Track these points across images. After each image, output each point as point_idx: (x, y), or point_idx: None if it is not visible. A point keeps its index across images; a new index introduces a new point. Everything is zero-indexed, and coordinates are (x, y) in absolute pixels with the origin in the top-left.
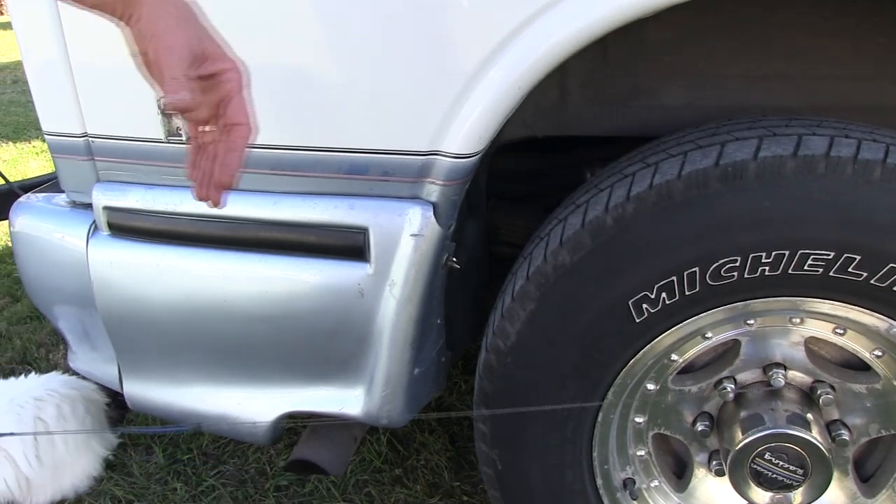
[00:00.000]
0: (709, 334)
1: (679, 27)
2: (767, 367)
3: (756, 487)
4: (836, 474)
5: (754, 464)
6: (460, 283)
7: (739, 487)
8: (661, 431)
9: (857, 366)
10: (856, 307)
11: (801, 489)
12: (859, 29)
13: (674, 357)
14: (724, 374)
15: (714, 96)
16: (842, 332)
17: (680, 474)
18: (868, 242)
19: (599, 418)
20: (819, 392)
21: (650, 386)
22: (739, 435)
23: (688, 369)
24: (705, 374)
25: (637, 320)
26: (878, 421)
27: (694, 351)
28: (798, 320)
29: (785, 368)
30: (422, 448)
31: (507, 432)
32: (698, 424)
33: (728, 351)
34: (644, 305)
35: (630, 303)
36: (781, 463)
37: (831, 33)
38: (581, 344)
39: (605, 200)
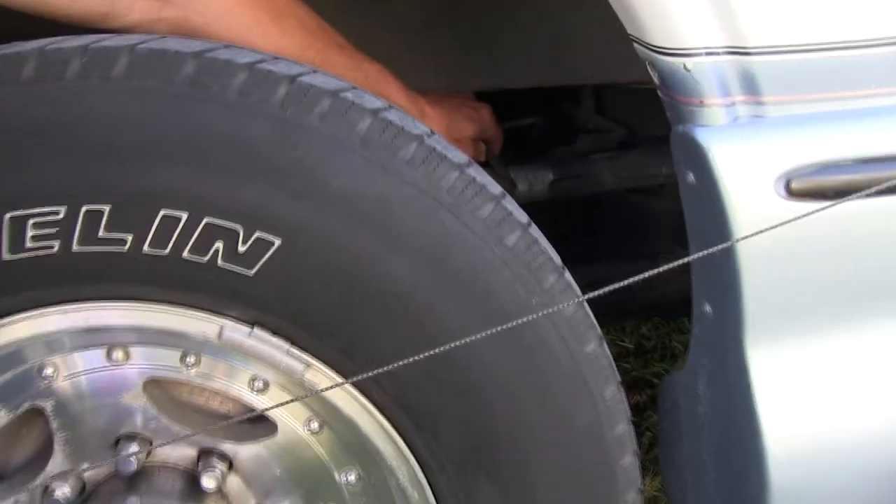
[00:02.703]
0: None
1: None
2: (119, 443)
3: None
4: None
5: None
6: None
7: None
8: None
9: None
10: (159, 304)
11: None
12: None
13: None
14: (52, 468)
15: None
16: (192, 359)
17: None
18: (122, 181)
19: None
20: (203, 467)
21: None
22: None
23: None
24: (27, 475)
25: None
26: (302, 494)
27: None
28: (120, 355)
29: (148, 442)
30: None
31: None
32: None
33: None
34: None
35: None
36: None
37: None
38: None
39: None
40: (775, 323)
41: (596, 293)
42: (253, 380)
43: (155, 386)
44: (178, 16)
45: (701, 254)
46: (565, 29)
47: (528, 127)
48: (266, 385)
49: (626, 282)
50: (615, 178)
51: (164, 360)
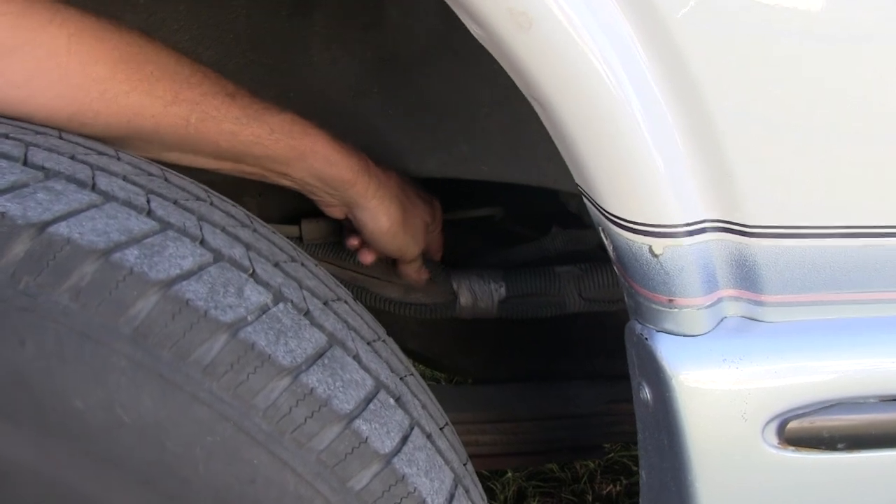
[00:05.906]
0: None
1: None
2: None
3: None
4: None
5: None
6: None
7: None
8: None
9: None
10: None
11: None
12: None
13: None
14: None
15: None
16: None
17: None
18: None
19: None
20: None
21: None
22: None
23: None
24: None
25: None
26: None
27: None
28: None
29: None
30: None
31: None
32: None
33: None
34: None
35: None
36: None
37: None
38: None
39: None
40: None
41: None
42: None
43: None
44: None
45: None
46: (530, 122)
47: (486, 218)
48: None
49: None
50: (582, 301)
51: None
